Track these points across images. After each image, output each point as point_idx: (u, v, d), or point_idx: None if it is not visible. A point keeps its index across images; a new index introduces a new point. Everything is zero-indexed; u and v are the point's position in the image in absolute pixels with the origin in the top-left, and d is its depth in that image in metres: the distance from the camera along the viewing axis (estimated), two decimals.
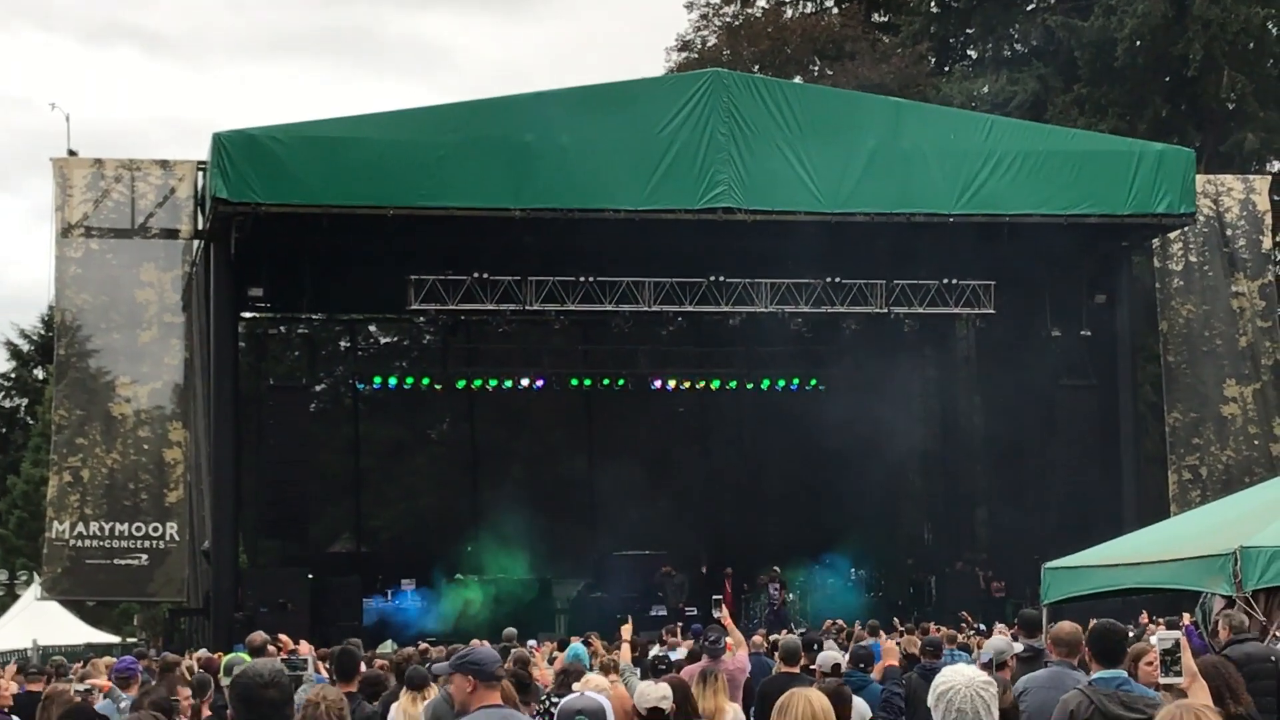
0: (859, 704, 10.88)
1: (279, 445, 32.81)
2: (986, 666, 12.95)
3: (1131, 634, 14.54)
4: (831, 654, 12.12)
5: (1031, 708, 9.72)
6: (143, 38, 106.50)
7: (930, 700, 5.69)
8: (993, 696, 5.60)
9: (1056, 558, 12.92)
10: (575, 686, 9.08)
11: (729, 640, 14.50)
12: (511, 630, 20.30)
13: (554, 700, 10.87)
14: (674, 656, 15.68)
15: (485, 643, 20.28)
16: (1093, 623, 9.31)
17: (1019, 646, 12.45)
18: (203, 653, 20.64)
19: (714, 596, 16.86)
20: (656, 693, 9.32)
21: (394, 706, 11.95)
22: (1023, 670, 12.89)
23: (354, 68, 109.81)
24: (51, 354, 34.15)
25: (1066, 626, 10.41)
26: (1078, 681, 8.94)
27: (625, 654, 15.00)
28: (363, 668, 13.41)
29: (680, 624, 24.26)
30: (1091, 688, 8.52)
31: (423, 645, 21.39)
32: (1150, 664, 9.87)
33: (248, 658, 12.24)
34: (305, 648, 15.36)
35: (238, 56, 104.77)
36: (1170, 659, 8.05)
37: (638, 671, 14.28)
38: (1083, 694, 8.45)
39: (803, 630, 21.61)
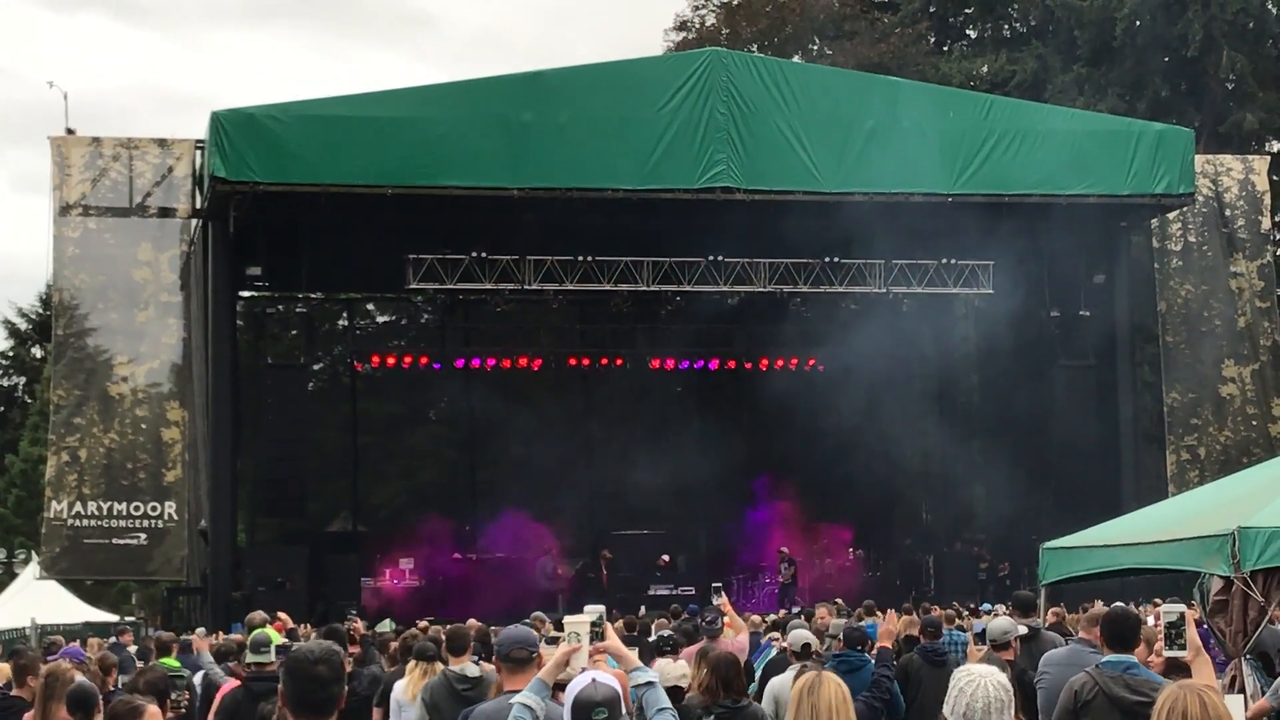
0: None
1: (277, 424, 32.74)
2: (979, 637, 13.00)
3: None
4: (801, 633, 12.17)
5: (1050, 685, 9.98)
6: (112, 4, 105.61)
7: (949, 694, 5.78)
8: (1010, 697, 5.71)
9: (1054, 538, 12.89)
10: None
11: (727, 621, 14.53)
12: None
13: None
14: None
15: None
16: (1099, 604, 9.40)
17: (1023, 629, 12.56)
18: (201, 631, 20.62)
19: (714, 584, 16.80)
20: (675, 670, 9.24)
21: (399, 683, 12.06)
22: (1021, 649, 12.93)
23: (335, 35, 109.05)
24: (49, 333, 34.13)
25: (1101, 608, 10.65)
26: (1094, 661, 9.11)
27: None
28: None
29: (676, 606, 24.20)
30: (1099, 670, 8.66)
31: (422, 624, 21.36)
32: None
33: (274, 634, 12.34)
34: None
35: (214, 23, 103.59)
36: (1174, 632, 8.00)
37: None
38: (1089, 675, 8.64)
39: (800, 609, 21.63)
